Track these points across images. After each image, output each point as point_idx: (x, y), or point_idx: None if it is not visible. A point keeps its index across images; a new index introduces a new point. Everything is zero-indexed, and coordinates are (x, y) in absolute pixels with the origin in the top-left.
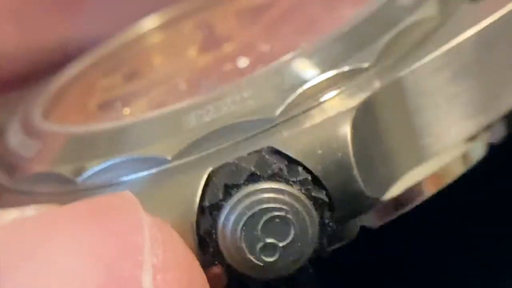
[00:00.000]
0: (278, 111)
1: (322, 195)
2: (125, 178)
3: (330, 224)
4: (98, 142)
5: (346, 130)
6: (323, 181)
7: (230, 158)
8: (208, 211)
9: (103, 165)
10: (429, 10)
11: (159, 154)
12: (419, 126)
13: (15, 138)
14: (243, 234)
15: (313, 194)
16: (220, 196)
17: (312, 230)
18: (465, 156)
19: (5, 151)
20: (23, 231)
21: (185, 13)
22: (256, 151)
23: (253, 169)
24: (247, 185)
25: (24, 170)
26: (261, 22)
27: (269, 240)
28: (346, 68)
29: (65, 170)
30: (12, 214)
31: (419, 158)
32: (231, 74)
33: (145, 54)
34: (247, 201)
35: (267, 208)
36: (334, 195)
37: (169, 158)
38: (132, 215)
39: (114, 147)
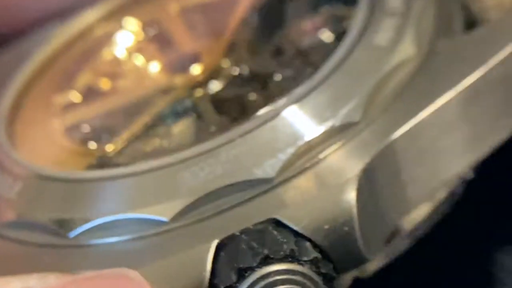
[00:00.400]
0: (275, 171)
1: (330, 270)
2: (120, 238)
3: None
4: (88, 194)
5: (351, 203)
6: (331, 255)
7: (233, 226)
8: None
9: (96, 222)
10: (407, 50)
11: (156, 215)
12: (410, 180)
13: None
14: None
15: (322, 271)
16: (234, 279)
17: None
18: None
19: None
20: None
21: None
22: (262, 223)
23: (266, 251)
24: (260, 267)
25: (6, 213)
26: None
27: None
28: (337, 123)
29: (55, 221)
30: (15, 284)
31: (408, 208)
32: None
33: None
34: (262, 283)
35: None
36: (338, 265)
37: (166, 219)
38: None
39: (108, 203)
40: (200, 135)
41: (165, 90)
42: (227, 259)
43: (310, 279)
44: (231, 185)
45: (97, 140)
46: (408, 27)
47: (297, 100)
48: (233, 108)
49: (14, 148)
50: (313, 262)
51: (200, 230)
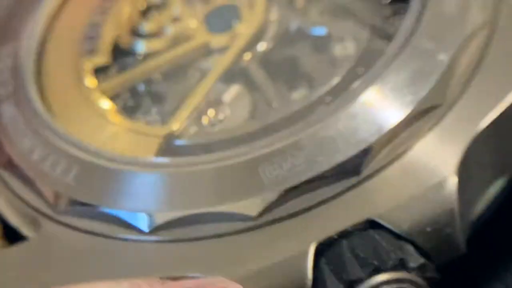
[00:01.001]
0: (361, 162)
1: (434, 273)
2: (203, 233)
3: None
4: (167, 185)
5: (454, 204)
6: (433, 257)
7: (327, 226)
8: None
9: (174, 216)
10: (476, 18)
11: (242, 211)
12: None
13: (40, 155)
14: None
15: (428, 275)
16: None
17: None
18: None
19: (37, 170)
20: None
21: None
22: (359, 225)
23: (375, 262)
24: (369, 277)
25: (68, 199)
26: None
27: None
28: (421, 107)
29: (128, 214)
30: None
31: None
32: None
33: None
34: None
35: None
36: (438, 263)
37: (253, 215)
38: None
39: (187, 196)
40: (258, 106)
41: (207, 52)
42: (332, 268)
43: (417, 285)
44: (317, 176)
45: (148, 112)
46: None
47: (374, 82)
48: (286, 71)
49: (56, 123)
50: (420, 268)
51: (291, 229)
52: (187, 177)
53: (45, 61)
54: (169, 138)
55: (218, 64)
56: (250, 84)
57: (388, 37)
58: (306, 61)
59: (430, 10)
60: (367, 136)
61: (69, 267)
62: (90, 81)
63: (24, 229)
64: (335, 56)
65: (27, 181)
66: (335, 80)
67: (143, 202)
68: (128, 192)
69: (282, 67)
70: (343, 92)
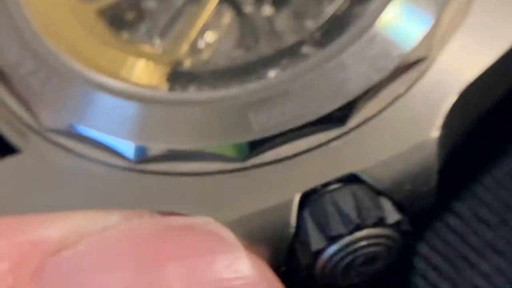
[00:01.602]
0: (348, 120)
1: (408, 227)
2: (190, 169)
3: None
4: (159, 118)
5: (433, 165)
6: (408, 210)
7: (312, 176)
8: (308, 252)
9: (162, 148)
10: None
11: (229, 152)
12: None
13: (30, 70)
14: (341, 270)
15: (403, 228)
16: (324, 244)
17: (397, 253)
18: None
19: (25, 84)
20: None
21: None
22: (344, 179)
23: (358, 220)
24: (349, 234)
25: (55, 116)
26: None
27: (360, 269)
28: (406, 60)
29: (115, 140)
30: (97, 221)
31: None
32: None
33: None
34: (350, 248)
35: (367, 252)
36: (413, 215)
37: (240, 157)
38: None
39: (176, 132)
40: (245, 34)
41: None
42: (315, 220)
43: (394, 239)
44: (304, 125)
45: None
46: None
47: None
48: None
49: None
50: (397, 224)
51: (277, 175)
52: (178, 112)
53: None
54: (175, 65)
55: None
56: (238, 9)
57: None
58: None
59: None
60: (355, 87)
61: (53, 187)
62: None
63: (13, 140)
64: None
65: (17, 95)
66: (326, 16)
67: (133, 131)
68: (116, 119)
69: None
70: (334, 32)
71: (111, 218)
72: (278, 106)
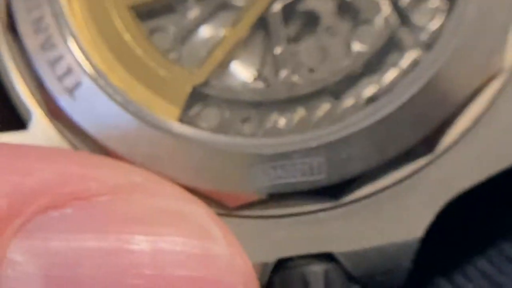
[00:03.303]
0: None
1: None
2: None
3: None
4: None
5: (408, 264)
6: None
7: (293, 245)
8: None
9: None
10: None
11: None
12: None
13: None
14: None
15: None
16: None
17: None
18: None
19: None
20: None
21: None
22: (319, 257)
23: None
24: None
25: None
26: None
27: None
28: None
29: None
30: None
31: None
32: None
33: None
34: None
35: None
36: None
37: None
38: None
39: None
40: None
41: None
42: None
43: None
44: (295, 193)
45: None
46: None
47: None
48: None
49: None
50: None
51: (260, 230)
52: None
53: None
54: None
55: (251, 10)
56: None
57: None
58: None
59: None
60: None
61: None
62: None
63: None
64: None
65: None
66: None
67: None
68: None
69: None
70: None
71: (133, 175)
72: (278, 169)
